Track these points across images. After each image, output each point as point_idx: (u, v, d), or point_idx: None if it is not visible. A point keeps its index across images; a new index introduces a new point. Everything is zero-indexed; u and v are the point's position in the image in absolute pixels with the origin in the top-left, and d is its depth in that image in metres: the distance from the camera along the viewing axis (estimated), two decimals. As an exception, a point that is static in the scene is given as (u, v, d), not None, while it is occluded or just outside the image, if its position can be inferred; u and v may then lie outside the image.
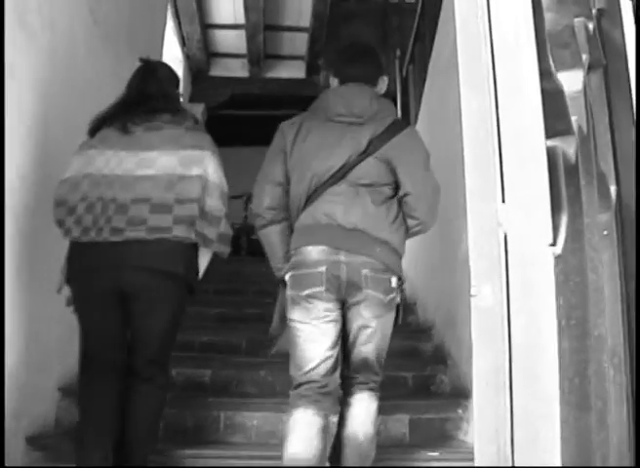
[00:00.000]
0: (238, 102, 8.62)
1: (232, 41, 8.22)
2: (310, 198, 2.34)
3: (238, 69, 8.45)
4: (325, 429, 2.20)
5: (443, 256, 3.75)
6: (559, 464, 1.25)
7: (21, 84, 2.64)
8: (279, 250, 2.40)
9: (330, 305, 2.25)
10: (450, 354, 3.50)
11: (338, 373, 2.27)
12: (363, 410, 2.33)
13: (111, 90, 3.61)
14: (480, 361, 1.40)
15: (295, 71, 8.71)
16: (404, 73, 5.77)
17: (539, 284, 1.33)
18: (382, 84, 2.51)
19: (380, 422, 2.62)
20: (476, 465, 1.37)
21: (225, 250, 2.61)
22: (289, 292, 2.31)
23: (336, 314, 2.27)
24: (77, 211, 2.44)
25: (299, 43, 8.37)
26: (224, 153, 2.71)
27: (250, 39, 7.85)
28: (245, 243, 8.35)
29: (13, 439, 2.54)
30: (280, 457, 2.22)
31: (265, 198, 2.39)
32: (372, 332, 2.30)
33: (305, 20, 7.84)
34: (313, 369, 2.21)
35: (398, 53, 5.87)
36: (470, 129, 1.47)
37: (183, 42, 7.75)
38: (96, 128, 2.60)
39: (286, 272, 2.34)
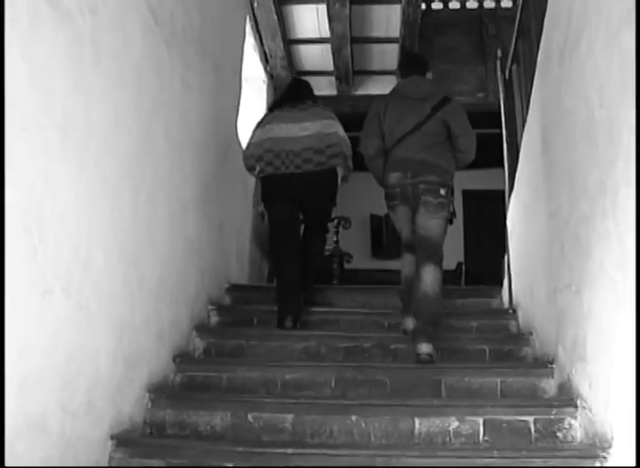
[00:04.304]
0: (329, 123, 8.16)
1: (318, 57, 7.82)
2: (396, 145, 3.93)
3: (326, 87, 7.97)
4: (414, 262, 3.88)
5: (564, 278, 3.16)
6: None
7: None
8: (381, 172, 4.02)
9: (404, 211, 3.93)
10: (579, 393, 2.88)
11: (413, 242, 3.93)
12: (430, 276, 3.67)
13: (173, 96, 3.25)
14: None
15: (386, 87, 8.13)
16: (507, 76, 5.20)
17: None
18: (429, 74, 4.22)
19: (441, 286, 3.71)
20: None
21: (347, 173, 4.57)
22: (385, 201, 4.02)
23: (409, 215, 3.91)
24: (264, 158, 4.42)
25: (388, 56, 7.86)
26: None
27: (336, 53, 7.41)
28: (337, 271, 7.65)
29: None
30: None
31: (372, 144, 4.03)
32: (431, 223, 3.81)
33: (395, 30, 7.32)
34: (404, 235, 4.03)
35: (499, 53, 5.32)
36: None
37: (266, 60, 7.39)
38: (271, 108, 4.79)
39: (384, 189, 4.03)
